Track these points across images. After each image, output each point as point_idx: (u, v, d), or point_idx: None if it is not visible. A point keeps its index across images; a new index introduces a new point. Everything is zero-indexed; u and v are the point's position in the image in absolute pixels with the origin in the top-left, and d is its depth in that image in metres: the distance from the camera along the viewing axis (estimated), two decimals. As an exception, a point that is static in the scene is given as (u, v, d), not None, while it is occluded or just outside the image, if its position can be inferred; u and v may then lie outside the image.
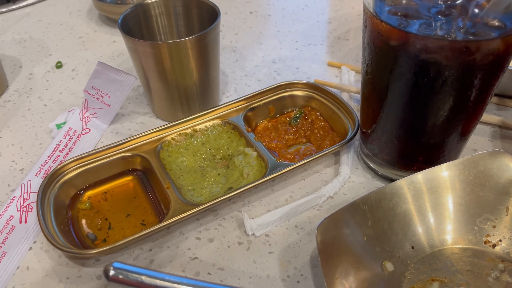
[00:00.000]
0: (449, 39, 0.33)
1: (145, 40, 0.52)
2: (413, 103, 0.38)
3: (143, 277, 0.28)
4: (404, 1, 0.36)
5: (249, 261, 0.40)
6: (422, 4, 0.36)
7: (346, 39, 0.70)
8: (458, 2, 0.35)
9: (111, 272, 0.27)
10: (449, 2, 0.36)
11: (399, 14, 0.36)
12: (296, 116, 0.53)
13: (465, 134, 0.40)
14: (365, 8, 0.38)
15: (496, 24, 0.34)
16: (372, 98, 0.41)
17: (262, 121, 0.53)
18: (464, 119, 0.38)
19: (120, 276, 0.28)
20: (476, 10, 0.34)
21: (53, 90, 0.61)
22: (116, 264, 0.28)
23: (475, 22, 0.34)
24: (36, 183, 0.46)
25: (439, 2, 0.35)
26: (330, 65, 0.64)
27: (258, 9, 0.80)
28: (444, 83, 0.35)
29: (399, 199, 0.38)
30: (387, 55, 0.37)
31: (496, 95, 0.54)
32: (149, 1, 0.53)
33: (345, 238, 0.36)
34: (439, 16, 0.35)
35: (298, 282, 0.38)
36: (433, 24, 0.34)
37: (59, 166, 0.44)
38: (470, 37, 0.33)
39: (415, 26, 0.34)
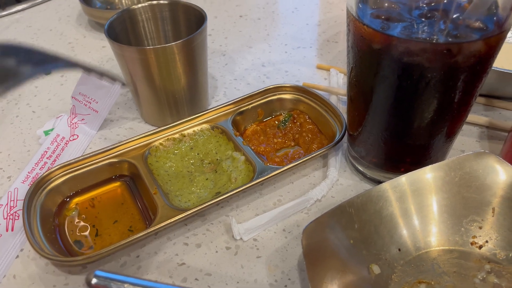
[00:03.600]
0: (431, 41, 0.33)
1: (132, 45, 0.52)
2: (398, 106, 0.38)
3: (126, 285, 0.27)
4: (386, 4, 0.37)
5: (236, 266, 0.39)
6: (404, 7, 0.36)
7: (335, 41, 0.70)
8: (440, 4, 0.35)
9: (93, 281, 0.27)
10: (432, 4, 0.36)
11: (382, 17, 0.36)
12: (285, 120, 0.53)
13: (450, 135, 0.41)
14: (348, 12, 0.38)
15: (478, 25, 0.34)
16: (357, 101, 0.42)
17: (251, 125, 0.53)
18: (448, 121, 0.39)
19: (103, 284, 0.27)
20: (458, 12, 0.35)
21: (41, 97, 0.61)
22: (98, 272, 0.28)
23: (457, 24, 0.34)
24: (23, 190, 0.45)
25: (422, 4, 0.36)
26: (319, 67, 0.64)
27: (248, 12, 0.80)
28: (427, 86, 0.35)
29: (385, 202, 0.38)
30: (370, 58, 0.37)
31: (483, 95, 0.55)
32: (136, 6, 0.53)
33: (331, 242, 0.36)
34: (422, 19, 0.35)
35: (286, 286, 0.38)
36: (415, 26, 0.34)
37: (45, 173, 0.44)
38: (452, 39, 0.34)
39: (397, 29, 0.34)
